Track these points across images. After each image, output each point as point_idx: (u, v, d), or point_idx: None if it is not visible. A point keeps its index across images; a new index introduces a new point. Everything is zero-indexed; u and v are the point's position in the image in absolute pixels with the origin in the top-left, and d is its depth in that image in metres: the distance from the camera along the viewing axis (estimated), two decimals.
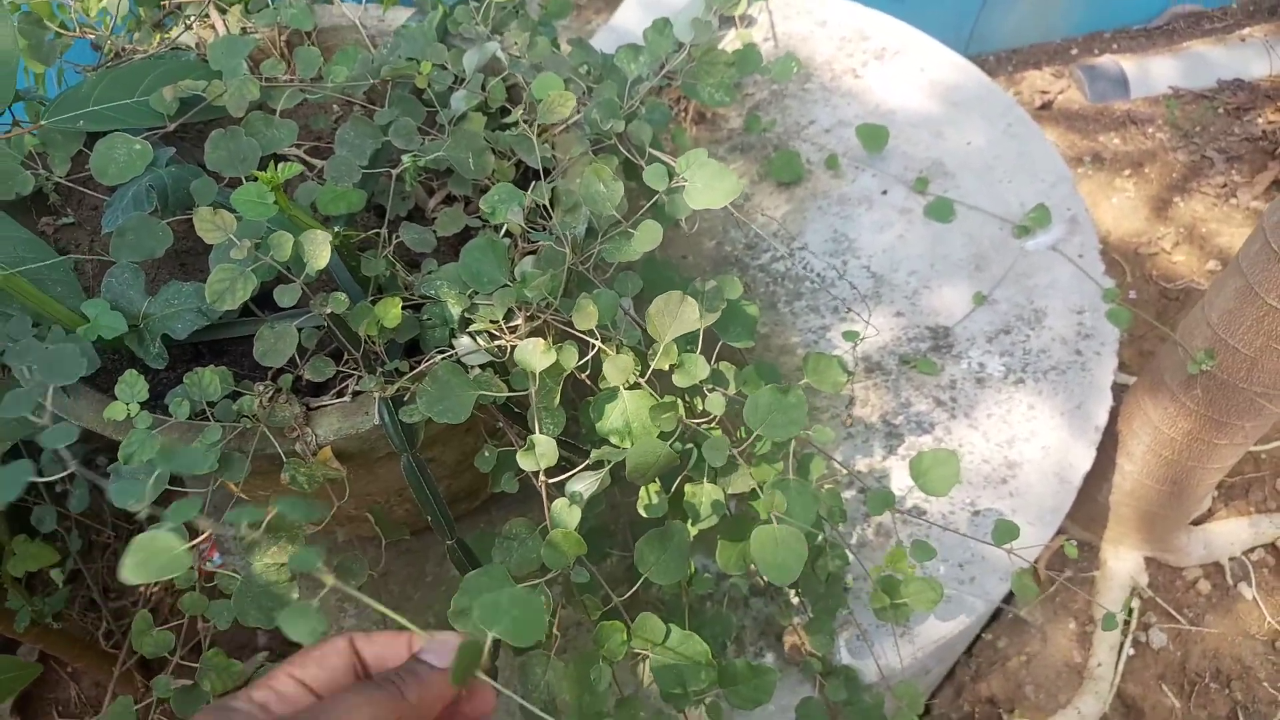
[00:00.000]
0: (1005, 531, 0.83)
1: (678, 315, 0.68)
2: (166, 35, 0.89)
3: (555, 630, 0.77)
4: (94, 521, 1.32)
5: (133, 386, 0.62)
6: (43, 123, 0.74)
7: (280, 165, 0.59)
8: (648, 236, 0.69)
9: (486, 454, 0.73)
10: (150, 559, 0.51)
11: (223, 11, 0.89)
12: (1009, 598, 1.31)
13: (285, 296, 0.62)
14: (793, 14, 1.47)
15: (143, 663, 1.25)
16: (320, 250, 0.61)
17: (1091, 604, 1.33)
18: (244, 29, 0.88)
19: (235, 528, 0.57)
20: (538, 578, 0.67)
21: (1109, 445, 1.26)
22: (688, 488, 0.79)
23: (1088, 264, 1.22)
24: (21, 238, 0.67)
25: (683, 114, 1.35)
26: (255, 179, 0.59)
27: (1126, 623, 1.33)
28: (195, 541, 0.51)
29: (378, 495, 0.83)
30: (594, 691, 0.73)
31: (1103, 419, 1.12)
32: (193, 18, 0.88)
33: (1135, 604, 1.34)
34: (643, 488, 0.76)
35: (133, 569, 0.51)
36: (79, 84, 0.78)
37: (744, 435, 0.79)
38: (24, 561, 0.98)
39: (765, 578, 0.99)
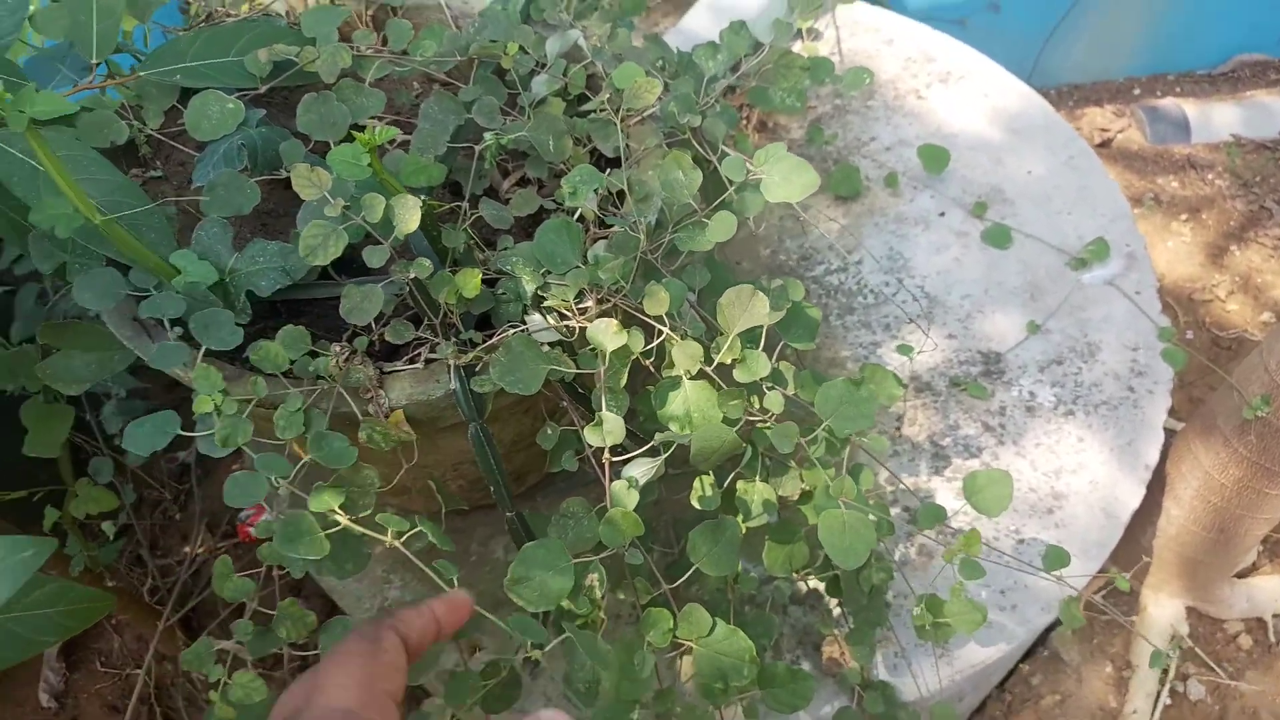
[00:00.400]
0: (1056, 558, 0.82)
1: (748, 308, 0.68)
2: (257, 1, 0.91)
3: (602, 614, 0.77)
4: (149, 477, 1.34)
5: (210, 380, 0.63)
6: (140, 74, 0.76)
7: (378, 128, 0.60)
8: (722, 227, 0.70)
9: (549, 431, 0.73)
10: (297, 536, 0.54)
11: None
12: (1045, 635, 1.30)
13: (374, 257, 0.63)
14: (860, 31, 1.48)
15: (184, 621, 1.26)
16: (410, 215, 0.62)
17: (1129, 648, 1.31)
18: (333, 0, 0.90)
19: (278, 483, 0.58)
20: (592, 555, 0.67)
21: (1155, 488, 1.24)
22: (740, 484, 0.79)
23: (1145, 301, 1.21)
24: (117, 182, 0.69)
25: (745, 122, 1.35)
26: (353, 139, 0.60)
27: (1165, 671, 1.30)
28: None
29: (434, 468, 0.84)
30: (635, 678, 0.72)
31: (1153, 458, 1.10)
32: None
33: (1175, 654, 1.31)
34: (697, 480, 0.76)
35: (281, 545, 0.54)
36: (175, 40, 0.80)
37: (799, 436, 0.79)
38: (85, 504, 1.00)
39: (808, 581, 0.98)
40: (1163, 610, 1.31)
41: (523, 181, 0.86)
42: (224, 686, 0.67)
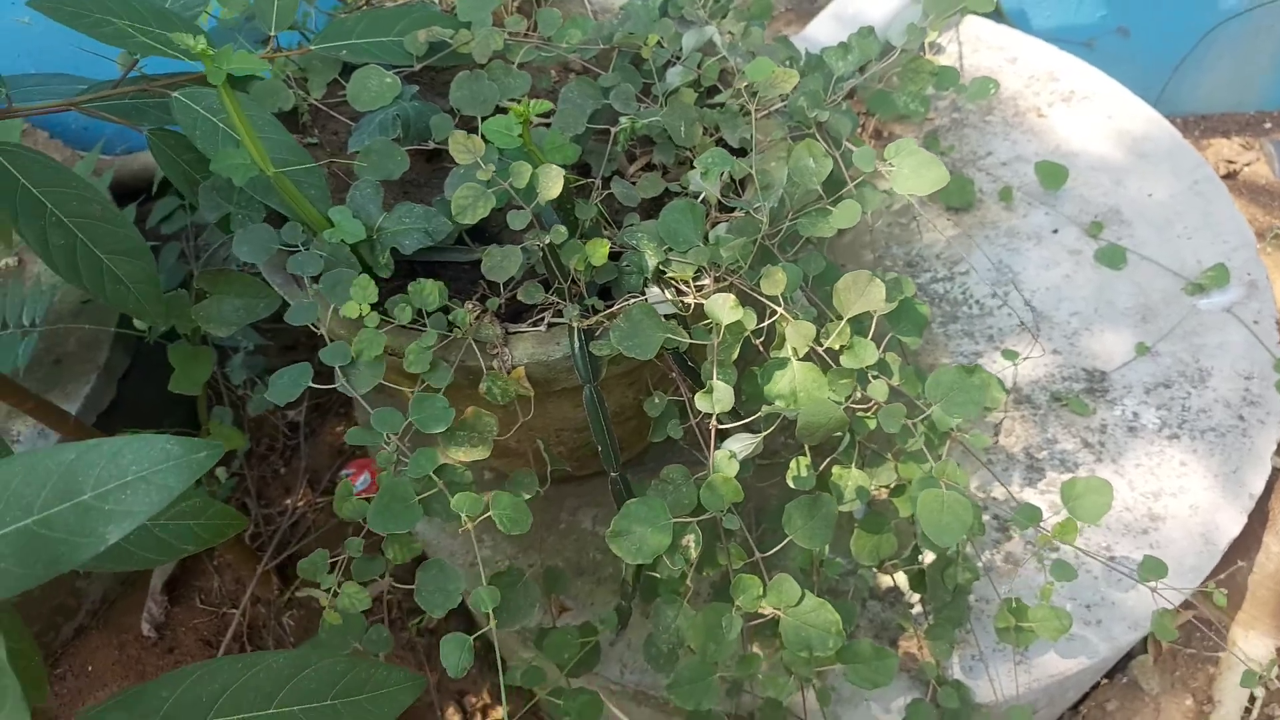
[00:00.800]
0: (1152, 568, 0.82)
1: (864, 293, 0.71)
2: None
3: (688, 583, 0.80)
4: (261, 430, 1.43)
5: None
6: (312, 48, 0.84)
7: (532, 102, 0.65)
8: (846, 214, 0.72)
9: (657, 400, 0.77)
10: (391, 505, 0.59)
11: None
12: (1125, 662, 1.28)
13: (517, 220, 0.69)
14: (983, 48, 1.48)
15: (280, 569, 1.35)
16: (554, 183, 0.67)
17: (1212, 683, 1.27)
18: None
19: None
20: (690, 519, 0.71)
21: (1256, 522, 1.21)
22: (835, 469, 0.81)
23: (1263, 331, 1.18)
24: (286, 143, 0.76)
25: (862, 130, 1.37)
26: (508, 111, 0.66)
27: (1248, 709, 1.27)
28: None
29: (540, 431, 0.89)
30: (721, 640, 0.75)
31: (1258, 488, 1.08)
32: None
33: (1260, 693, 1.28)
34: (794, 460, 0.79)
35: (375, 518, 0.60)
36: (342, 19, 0.87)
37: None
38: (218, 441, 1.08)
39: (892, 577, 0.99)
40: (1252, 648, 1.27)
41: (648, 167, 0.90)
42: (334, 594, 0.73)
